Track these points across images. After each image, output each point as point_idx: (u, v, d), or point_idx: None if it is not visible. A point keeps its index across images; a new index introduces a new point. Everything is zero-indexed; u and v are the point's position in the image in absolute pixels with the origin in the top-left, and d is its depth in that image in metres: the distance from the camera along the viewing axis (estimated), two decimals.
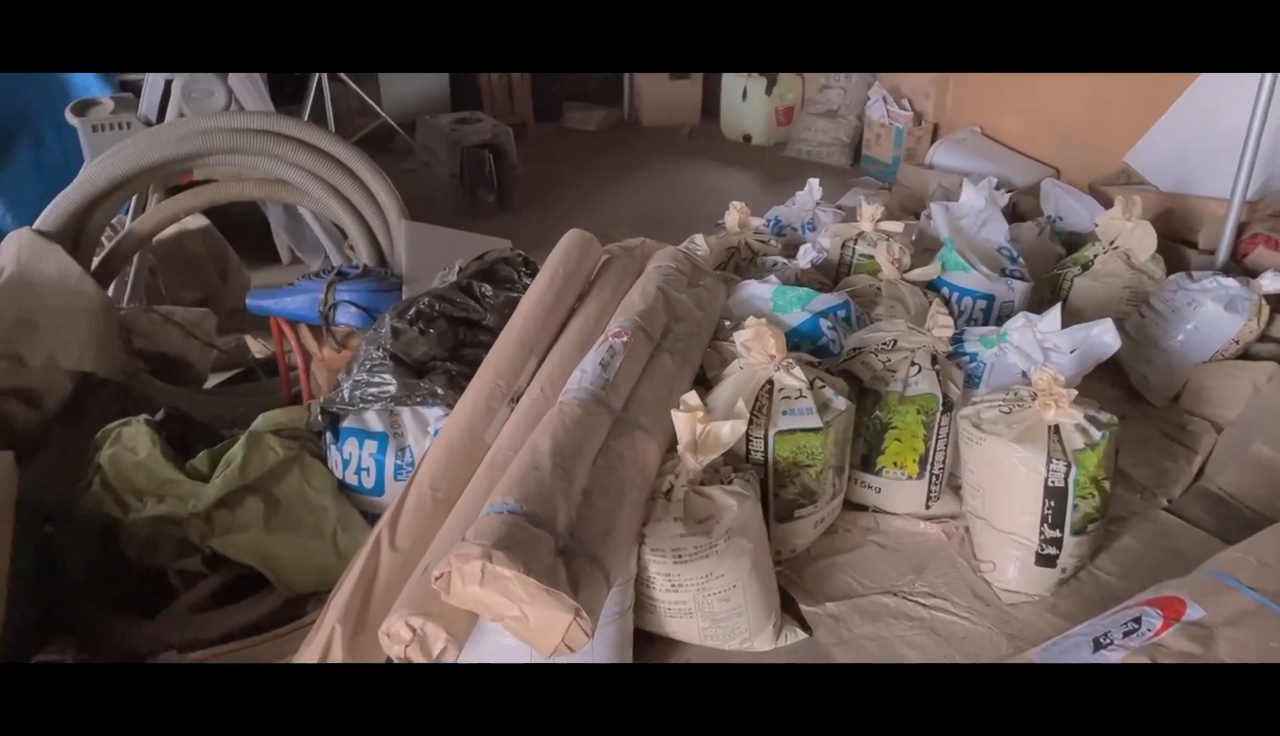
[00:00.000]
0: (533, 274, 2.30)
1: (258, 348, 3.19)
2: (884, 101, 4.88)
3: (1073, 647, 1.24)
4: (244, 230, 3.73)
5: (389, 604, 1.50)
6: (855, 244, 2.71)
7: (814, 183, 3.16)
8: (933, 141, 4.51)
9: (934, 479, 2.06)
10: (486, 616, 1.41)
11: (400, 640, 1.40)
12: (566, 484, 1.53)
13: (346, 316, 2.43)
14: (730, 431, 1.69)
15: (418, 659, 1.40)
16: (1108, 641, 1.23)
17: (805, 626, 1.79)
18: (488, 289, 2.25)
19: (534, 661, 1.50)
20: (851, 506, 2.10)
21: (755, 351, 1.88)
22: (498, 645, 1.51)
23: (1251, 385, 2.30)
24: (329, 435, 2.05)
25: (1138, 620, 1.27)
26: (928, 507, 2.08)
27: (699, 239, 2.62)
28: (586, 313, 2.16)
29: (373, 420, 2.02)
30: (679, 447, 1.70)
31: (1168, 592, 1.32)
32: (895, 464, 2.04)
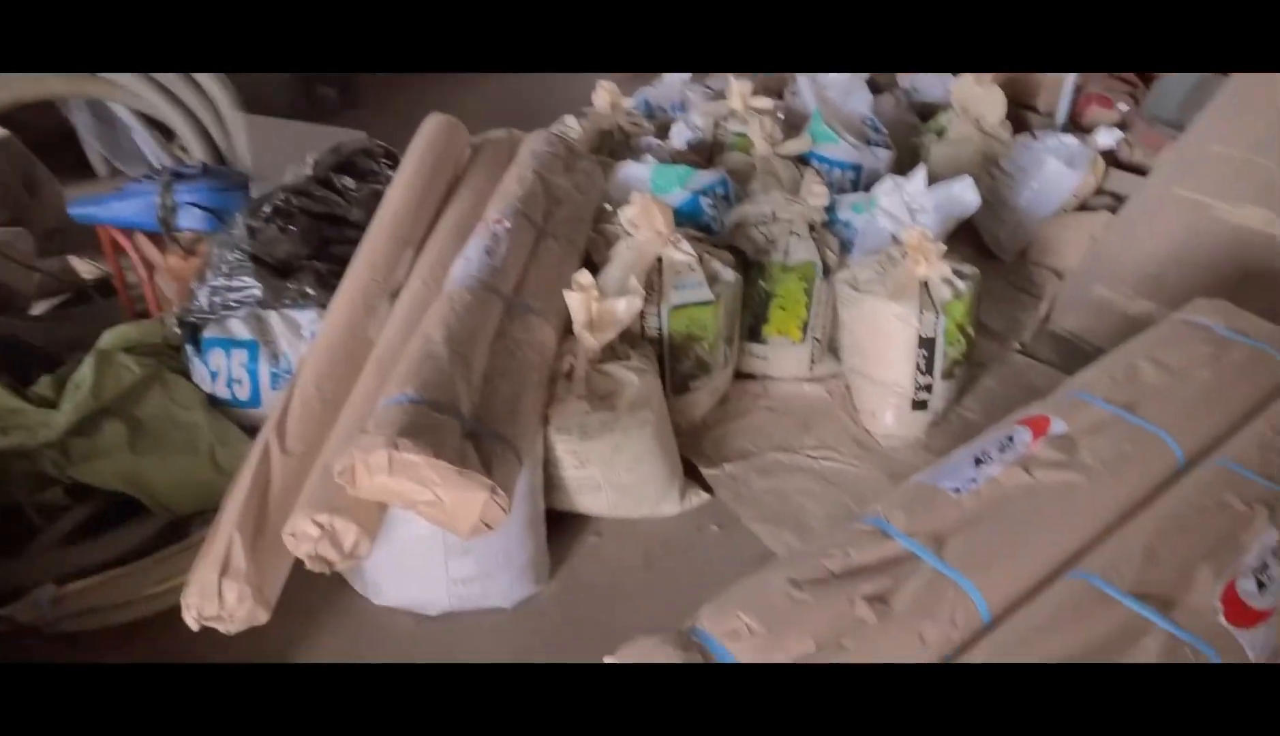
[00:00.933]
0: (394, 165, 2.21)
1: (86, 269, 2.92)
2: None
3: (956, 467, 1.37)
4: (48, 143, 3.34)
5: (288, 508, 1.47)
6: (727, 122, 2.75)
7: None
8: None
9: (815, 342, 2.18)
10: (398, 504, 1.41)
11: (308, 538, 1.38)
12: (465, 369, 1.52)
13: (190, 219, 2.26)
14: (626, 308, 1.72)
15: (330, 555, 1.39)
16: (987, 458, 1.38)
17: (708, 488, 1.89)
18: (349, 182, 2.15)
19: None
20: (741, 376, 2.20)
21: (644, 227, 1.90)
22: (410, 536, 1.52)
23: (1089, 235, 2.53)
24: (190, 348, 1.93)
25: (1010, 438, 1.42)
26: (811, 370, 2.20)
27: (570, 121, 2.58)
28: (462, 201, 2.11)
29: (238, 328, 1.92)
30: (575, 327, 1.72)
31: (1035, 412, 1.48)
32: (780, 331, 2.15)
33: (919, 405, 2.00)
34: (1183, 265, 2.22)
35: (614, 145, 2.66)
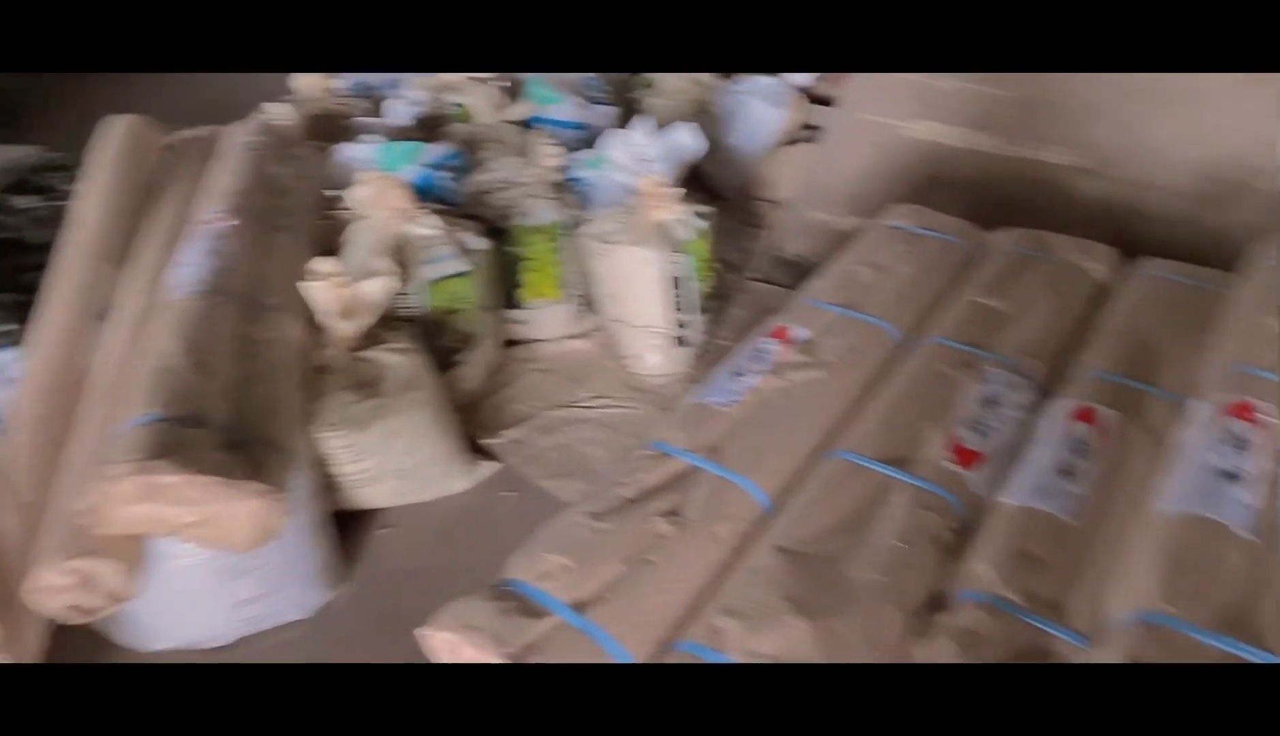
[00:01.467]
0: (76, 177, 1.99)
1: None
2: None
3: (720, 384, 1.49)
4: None
5: (30, 562, 1.31)
6: (445, 94, 2.72)
7: None
8: None
9: (575, 299, 2.24)
10: (158, 533, 1.31)
11: (58, 590, 1.25)
12: (210, 379, 1.43)
13: None
14: (381, 288, 1.68)
15: (89, 602, 1.26)
16: (744, 371, 1.51)
17: (494, 458, 1.90)
18: (26, 202, 1.92)
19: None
20: (507, 343, 2.22)
21: (380, 207, 1.85)
22: (178, 567, 1.41)
23: (799, 166, 2.80)
24: None
25: (761, 350, 1.56)
26: (574, 327, 2.27)
27: (275, 108, 2.44)
28: (167, 206, 1.94)
29: None
30: (324, 317, 1.66)
31: (776, 324, 1.64)
32: (537, 293, 2.19)
33: (680, 341, 2.13)
34: (877, 180, 2.51)
35: (329, 128, 2.55)
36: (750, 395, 1.45)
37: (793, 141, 2.94)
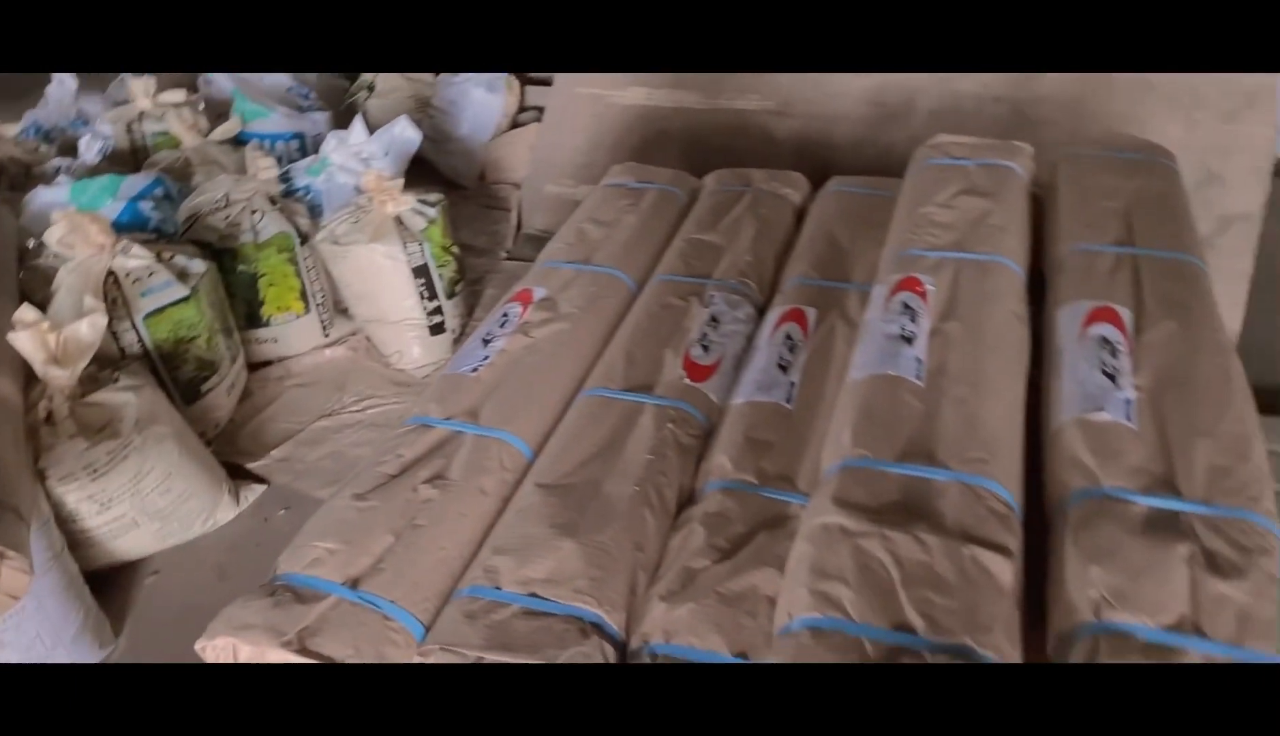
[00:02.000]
0: None
1: None
2: None
3: (469, 352, 1.55)
4: None
5: None
6: (140, 124, 2.57)
7: (65, 77, 2.85)
8: None
9: (320, 308, 2.22)
10: None
11: None
12: None
13: None
14: (90, 328, 1.59)
15: None
16: (492, 337, 1.58)
17: (261, 479, 1.86)
18: None
19: None
20: (257, 367, 2.16)
21: (81, 245, 1.75)
22: None
23: (528, 145, 2.90)
24: None
25: (505, 314, 1.64)
26: (327, 336, 2.24)
27: None
28: None
29: None
30: (37, 367, 1.55)
31: (518, 289, 1.72)
32: (280, 308, 2.14)
33: (436, 329, 2.17)
34: (601, 148, 2.66)
35: (14, 178, 2.35)
36: (499, 357, 1.52)
37: (517, 124, 3.04)
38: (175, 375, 1.83)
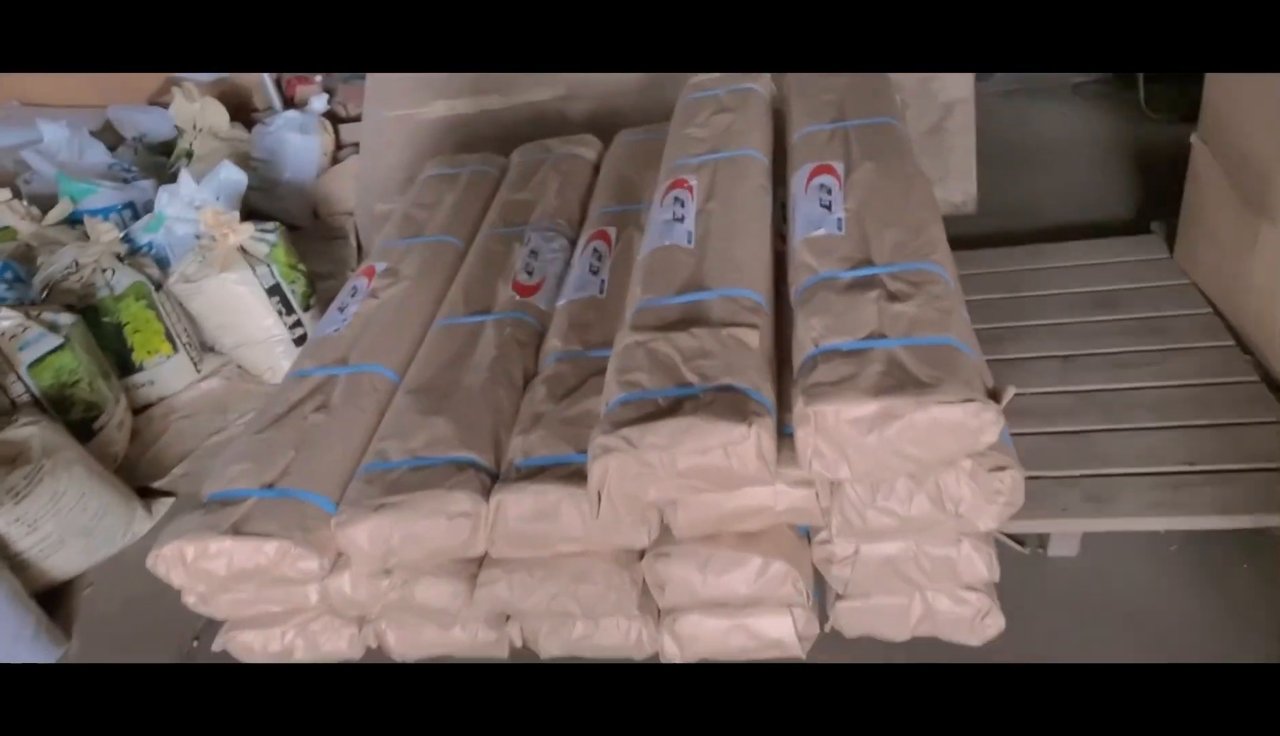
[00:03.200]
0: None
1: None
2: None
3: (330, 319, 1.85)
4: None
5: None
6: None
7: None
8: None
9: (188, 346, 2.47)
10: None
11: None
12: None
13: None
14: None
15: None
16: (345, 304, 1.89)
17: (168, 493, 2.10)
18: None
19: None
20: (139, 410, 2.39)
21: None
22: None
23: (352, 177, 3.22)
24: None
25: (354, 286, 1.96)
26: (199, 372, 2.49)
27: None
28: None
29: None
30: None
31: (363, 266, 2.05)
32: (149, 352, 2.39)
33: (300, 341, 2.45)
34: (417, 160, 2.98)
35: None
36: (355, 318, 1.84)
37: (337, 161, 3.36)
38: (67, 418, 2.06)
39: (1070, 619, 1.58)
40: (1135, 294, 2.16)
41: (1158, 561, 1.65)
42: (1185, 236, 2.23)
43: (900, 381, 1.24)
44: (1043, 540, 1.71)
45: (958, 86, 2.80)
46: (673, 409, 1.28)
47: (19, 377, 1.99)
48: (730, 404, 1.26)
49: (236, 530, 1.36)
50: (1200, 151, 2.09)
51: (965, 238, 2.34)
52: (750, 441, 1.23)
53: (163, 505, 2.06)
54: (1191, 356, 1.94)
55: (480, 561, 1.48)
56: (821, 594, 1.53)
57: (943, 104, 2.81)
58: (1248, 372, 1.87)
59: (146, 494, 2.09)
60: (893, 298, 1.40)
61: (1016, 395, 1.27)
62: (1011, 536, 1.69)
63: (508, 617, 1.56)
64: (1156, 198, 2.50)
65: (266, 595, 1.48)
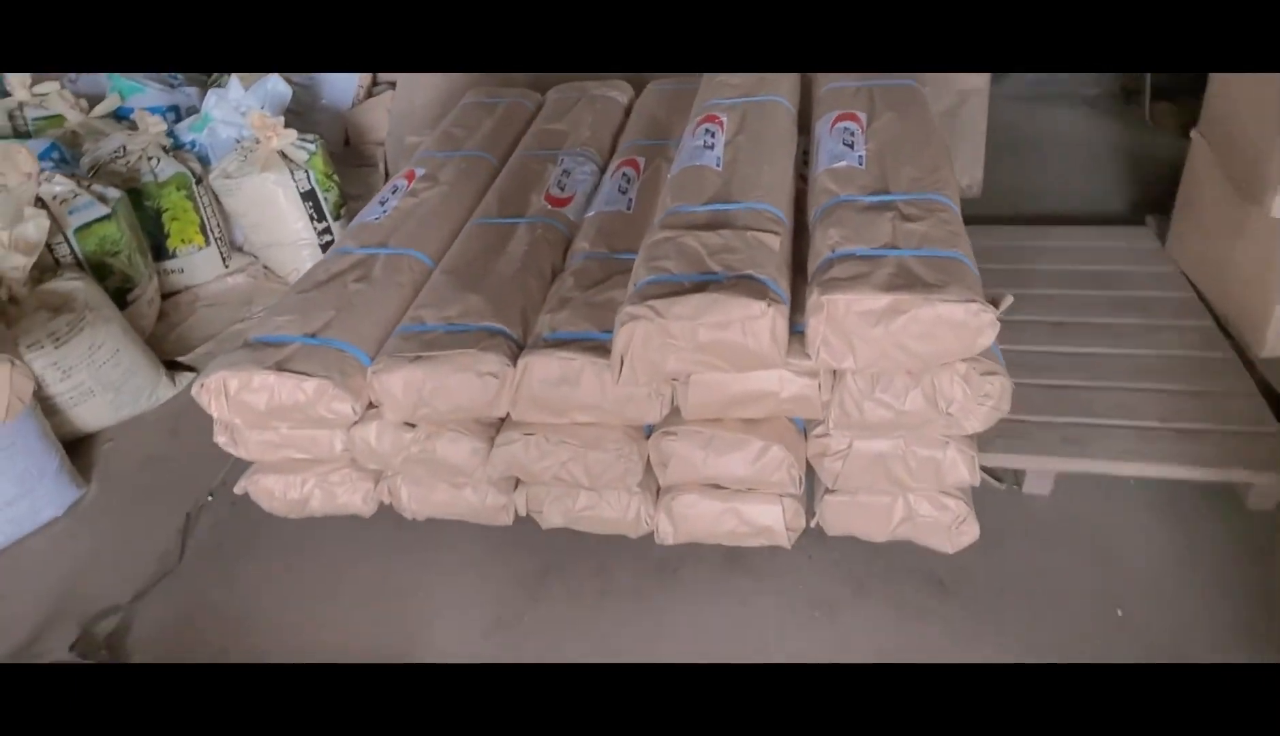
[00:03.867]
0: None
1: None
2: None
3: (371, 207, 1.95)
4: None
5: None
6: (21, 112, 2.84)
7: None
8: None
9: (219, 241, 2.56)
10: None
11: None
12: None
13: None
14: (35, 229, 1.91)
15: None
16: (387, 197, 1.99)
17: (191, 368, 2.19)
18: None
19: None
20: (168, 296, 2.48)
21: (11, 173, 2.05)
22: None
23: (385, 110, 3.31)
24: None
25: (395, 185, 2.06)
26: (227, 266, 2.58)
27: None
28: None
29: None
30: None
31: (403, 170, 2.14)
32: (184, 240, 2.47)
33: (327, 247, 2.55)
34: (451, 99, 3.03)
35: None
36: (395, 211, 1.94)
37: (371, 95, 3.45)
38: (103, 285, 2.14)
39: (1039, 548, 1.69)
40: (1125, 275, 2.28)
41: (1125, 506, 1.76)
42: (1177, 228, 2.35)
43: (909, 281, 1.35)
44: (1019, 477, 1.82)
45: (973, 76, 2.92)
46: (698, 290, 1.38)
47: (65, 239, 2.07)
48: (750, 287, 1.36)
49: (280, 367, 1.45)
50: (1199, 145, 2.22)
51: (969, 218, 2.45)
52: (766, 319, 1.33)
53: (186, 377, 2.14)
54: (1172, 331, 2.06)
55: (499, 425, 1.57)
56: (811, 490, 1.63)
57: (958, 91, 2.92)
58: (1224, 348, 1.99)
59: (171, 367, 2.18)
60: (906, 219, 1.51)
61: (1009, 350, 1.37)
62: (989, 472, 1.80)
63: (517, 484, 1.65)
64: (1152, 199, 2.63)
65: (295, 438, 1.57)
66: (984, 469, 1.77)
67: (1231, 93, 2.07)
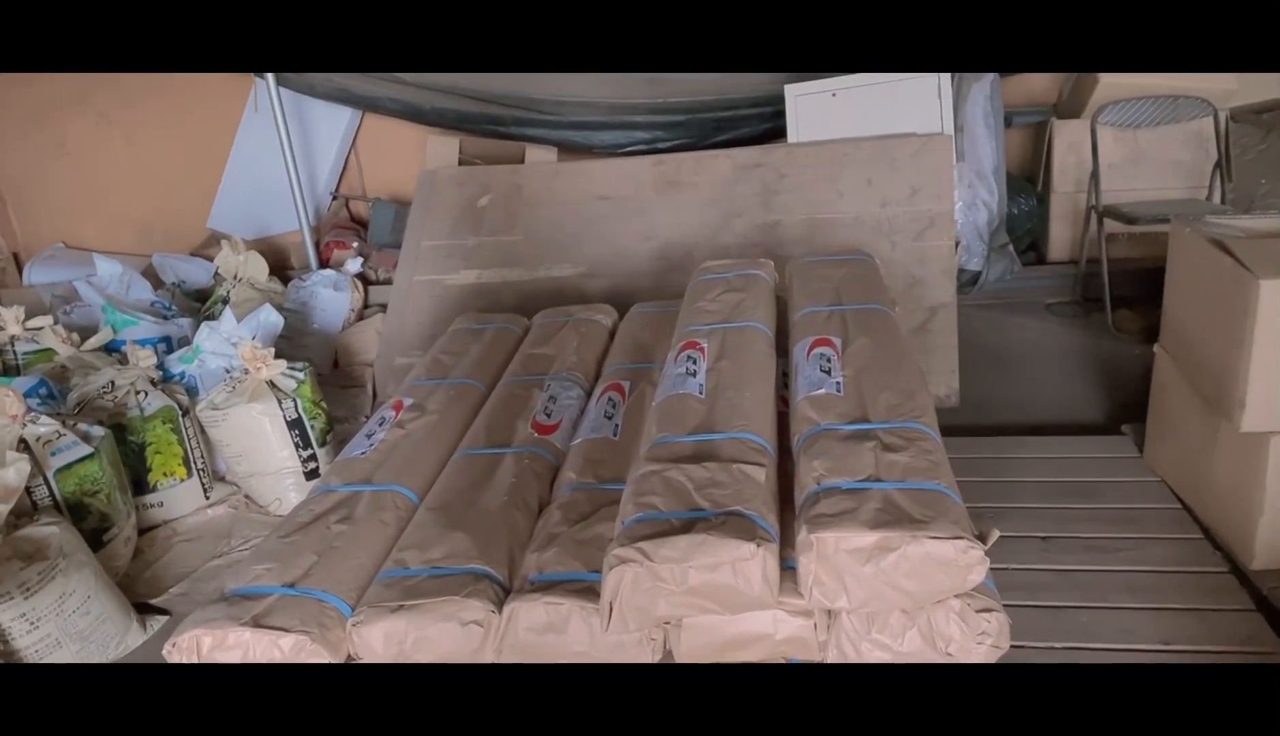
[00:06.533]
0: None
1: None
2: None
3: (357, 443, 1.95)
4: None
5: None
6: (13, 346, 2.89)
7: None
8: (19, 268, 4.60)
9: (201, 472, 2.54)
10: None
11: None
12: None
13: None
14: (16, 474, 1.89)
15: None
16: (375, 430, 1.99)
17: (164, 611, 2.11)
18: None
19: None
20: (144, 531, 2.42)
21: None
22: None
23: (375, 332, 3.40)
24: None
25: (382, 417, 2.07)
26: (208, 498, 2.55)
27: None
28: None
29: None
30: None
31: (391, 401, 2.17)
32: (165, 474, 2.45)
33: (311, 475, 2.53)
34: (441, 321, 3.18)
35: None
36: (381, 444, 1.94)
37: (363, 318, 3.56)
38: (80, 526, 2.10)
39: None
40: (1109, 486, 2.30)
41: None
42: (1153, 438, 2.39)
43: (896, 517, 1.34)
44: None
45: (940, 291, 3.06)
46: (685, 528, 1.36)
47: (45, 480, 2.05)
48: (739, 526, 1.35)
49: (257, 622, 1.40)
50: (1162, 358, 2.29)
51: (948, 428, 2.49)
52: (757, 561, 1.31)
53: (157, 621, 2.06)
54: (1164, 545, 2.05)
55: None
56: None
57: (927, 307, 3.05)
58: (1218, 564, 1.97)
59: (143, 610, 2.10)
60: (887, 449, 1.52)
61: (1000, 570, 1.36)
62: None
63: None
64: (1124, 407, 2.69)
65: None
66: None
67: (1188, 311, 2.16)
